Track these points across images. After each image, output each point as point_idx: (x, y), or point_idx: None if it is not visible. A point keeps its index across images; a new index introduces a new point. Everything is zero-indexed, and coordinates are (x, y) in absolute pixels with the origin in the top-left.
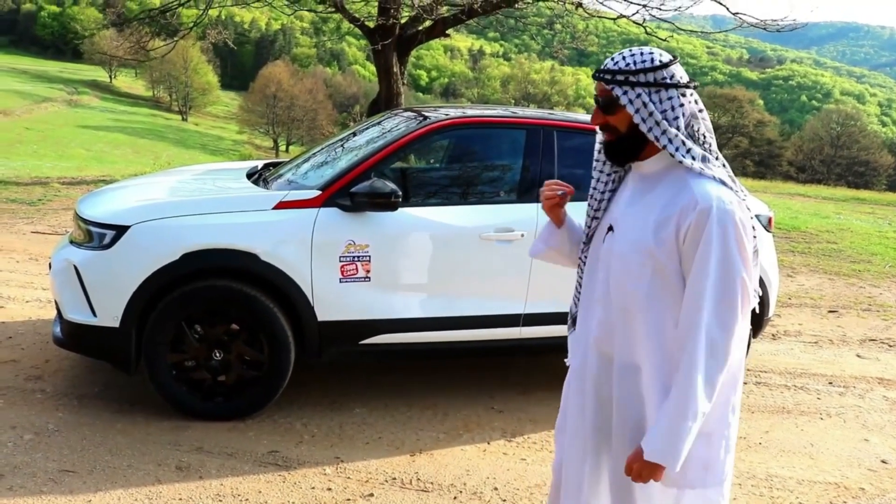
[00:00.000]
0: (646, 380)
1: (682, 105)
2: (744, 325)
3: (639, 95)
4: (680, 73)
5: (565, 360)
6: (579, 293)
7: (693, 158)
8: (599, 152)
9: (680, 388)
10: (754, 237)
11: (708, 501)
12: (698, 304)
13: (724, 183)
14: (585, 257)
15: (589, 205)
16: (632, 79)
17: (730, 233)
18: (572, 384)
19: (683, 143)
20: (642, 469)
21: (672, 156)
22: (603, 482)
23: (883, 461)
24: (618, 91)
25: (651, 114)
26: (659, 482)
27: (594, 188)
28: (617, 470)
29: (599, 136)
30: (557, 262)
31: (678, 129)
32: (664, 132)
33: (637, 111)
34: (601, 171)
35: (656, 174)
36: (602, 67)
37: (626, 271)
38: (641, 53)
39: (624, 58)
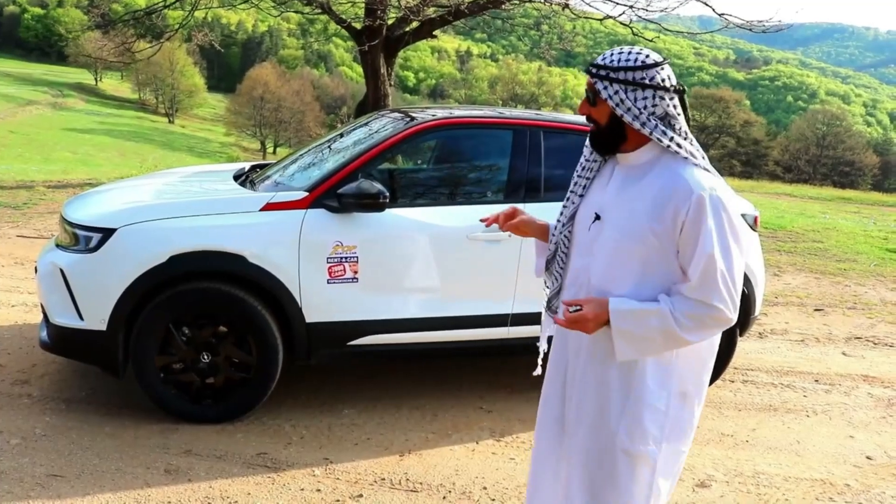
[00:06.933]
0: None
1: (655, 105)
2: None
3: (616, 92)
4: (663, 76)
5: (540, 343)
6: (561, 274)
7: (680, 147)
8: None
9: (665, 309)
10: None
11: (671, 455)
12: (706, 284)
13: (709, 171)
14: (566, 238)
15: (573, 182)
16: (612, 75)
17: (727, 219)
18: (550, 369)
19: (665, 132)
20: (589, 310)
21: (660, 142)
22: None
23: (868, 457)
24: (599, 85)
25: (629, 109)
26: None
27: (577, 172)
28: (588, 444)
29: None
30: None
31: (656, 123)
32: (644, 124)
33: (617, 105)
34: (585, 158)
35: (644, 165)
36: (592, 62)
37: (616, 258)
38: (630, 53)
39: (613, 55)
